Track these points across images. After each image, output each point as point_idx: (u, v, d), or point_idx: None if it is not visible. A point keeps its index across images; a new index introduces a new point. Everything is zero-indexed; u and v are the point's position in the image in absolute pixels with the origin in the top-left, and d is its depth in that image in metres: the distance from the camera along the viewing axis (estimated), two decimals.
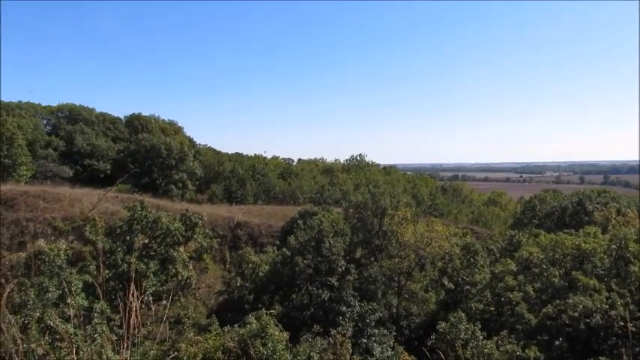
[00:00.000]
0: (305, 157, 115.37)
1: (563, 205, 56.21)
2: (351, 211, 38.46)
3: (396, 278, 35.62)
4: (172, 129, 75.90)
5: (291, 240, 32.05)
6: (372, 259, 35.99)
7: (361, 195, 39.26)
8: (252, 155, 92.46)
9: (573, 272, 28.46)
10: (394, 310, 33.77)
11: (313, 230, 31.86)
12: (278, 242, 40.42)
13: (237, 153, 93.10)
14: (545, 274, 29.35)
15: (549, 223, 54.45)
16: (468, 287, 33.45)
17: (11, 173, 53.79)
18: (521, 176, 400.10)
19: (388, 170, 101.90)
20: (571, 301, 25.07)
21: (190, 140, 77.47)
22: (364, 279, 32.46)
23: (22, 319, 14.36)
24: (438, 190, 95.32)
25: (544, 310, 26.04)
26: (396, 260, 35.50)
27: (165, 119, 78.12)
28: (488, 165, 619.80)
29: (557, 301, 26.10)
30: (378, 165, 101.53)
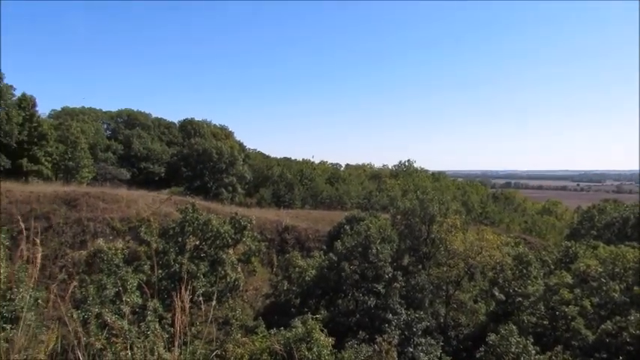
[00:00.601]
0: (353, 163, 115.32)
1: (625, 215, 53.44)
2: (399, 217, 38.06)
3: (444, 287, 34.94)
4: (223, 134, 77.72)
5: (338, 245, 32.07)
6: (420, 266, 35.48)
7: (409, 201, 38.81)
8: (300, 160, 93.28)
9: (635, 287, 27.02)
10: (442, 320, 33.12)
11: (360, 236, 31.77)
12: (325, 247, 40.54)
13: (285, 158, 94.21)
14: (604, 288, 28.02)
15: (609, 235, 51.89)
16: (520, 299, 32.35)
17: (74, 175, 56.83)
18: (578, 185, 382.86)
19: (437, 176, 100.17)
20: (633, 317, 23.81)
21: (240, 145, 79.03)
22: (411, 287, 32.04)
23: (83, 314, 15.10)
24: (489, 197, 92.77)
25: (603, 326, 24.84)
26: (445, 269, 34.84)
27: (217, 124, 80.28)
28: (543, 172, 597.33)
29: (618, 318, 24.83)
30: (426, 171, 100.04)
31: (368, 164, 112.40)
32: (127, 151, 64.14)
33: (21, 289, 14.40)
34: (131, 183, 59.59)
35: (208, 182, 69.47)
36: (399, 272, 31.34)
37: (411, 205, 37.22)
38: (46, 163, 54.89)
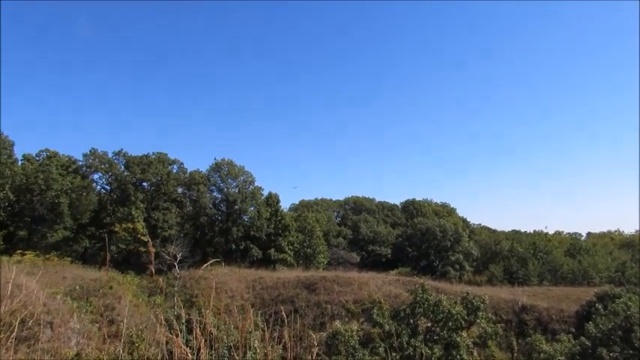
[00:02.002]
0: (595, 230, 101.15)
1: None
2: None
3: None
4: (445, 211, 77.10)
5: (590, 327, 27.63)
6: None
7: None
8: (532, 232, 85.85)
9: None
10: None
11: (618, 316, 26.88)
12: (573, 329, 35.41)
13: (514, 230, 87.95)
14: None
15: None
16: None
17: (312, 261, 62.47)
18: None
19: None
20: None
21: (464, 220, 77.13)
22: None
23: None
24: None
25: None
26: None
27: (438, 202, 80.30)
28: None
29: None
30: None
31: (616, 231, 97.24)
32: (356, 236, 68.26)
33: None
34: (361, 266, 62.87)
35: (434, 261, 68.96)
36: None
37: None
38: (289, 252, 61.75)
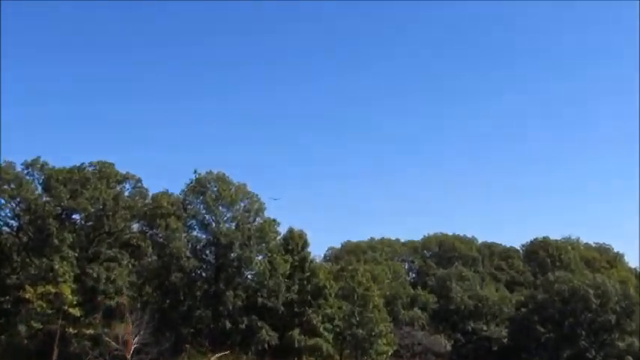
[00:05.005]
0: None
1: None
2: None
3: None
4: (604, 258, 52.77)
5: None
6: None
7: None
8: None
9: None
10: None
11: None
12: None
13: None
14: None
15: None
16: None
17: (367, 350, 42.79)
18: None
19: None
20: None
21: (638, 276, 51.09)
22: None
23: None
24: None
25: None
26: None
27: (590, 243, 55.10)
28: None
29: None
30: None
31: None
32: (444, 304, 46.33)
33: None
34: (454, 358, 43.73)
35: (587, 349, 46.05)
36: None
37: None
38: (326, 333, 41.38)
